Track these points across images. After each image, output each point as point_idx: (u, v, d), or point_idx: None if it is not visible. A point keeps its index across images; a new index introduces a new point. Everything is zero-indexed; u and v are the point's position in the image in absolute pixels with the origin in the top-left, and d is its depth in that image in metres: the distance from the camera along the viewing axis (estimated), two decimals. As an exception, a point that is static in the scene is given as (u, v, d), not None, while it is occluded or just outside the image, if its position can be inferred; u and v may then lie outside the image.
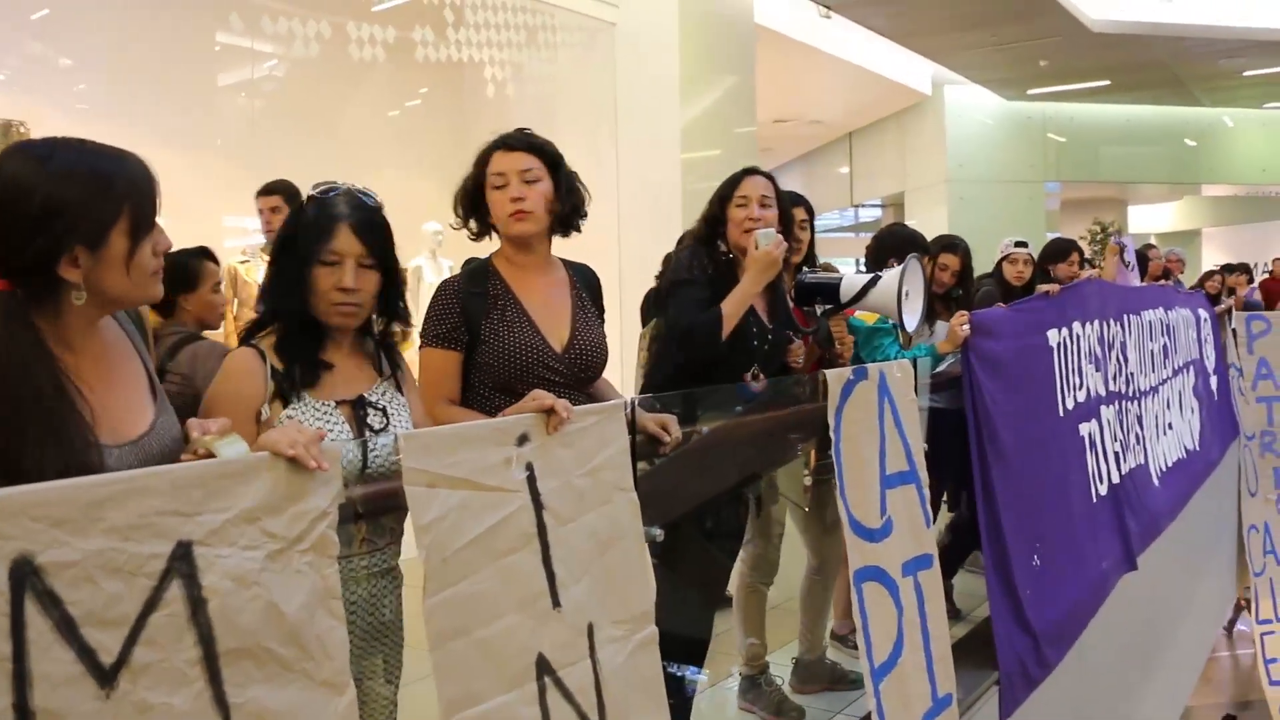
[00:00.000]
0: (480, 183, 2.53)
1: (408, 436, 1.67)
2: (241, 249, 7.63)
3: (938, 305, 4.31)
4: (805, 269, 3.53)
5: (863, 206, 21.24)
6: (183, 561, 1.34)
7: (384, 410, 2.05)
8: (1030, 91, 16.69)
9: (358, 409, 2.02)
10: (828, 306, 3.34)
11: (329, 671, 1.49)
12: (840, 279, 3.35)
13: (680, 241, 3.18)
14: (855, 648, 3.04)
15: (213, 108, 9.04)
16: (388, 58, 8.00)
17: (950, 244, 4.68)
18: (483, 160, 2.54)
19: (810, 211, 3.65)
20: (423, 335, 2.47)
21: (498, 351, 2.45)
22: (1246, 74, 15.77)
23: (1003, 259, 5.43)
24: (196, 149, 8.50)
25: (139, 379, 1.70)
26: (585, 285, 2.68)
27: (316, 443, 1.50)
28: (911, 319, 3.31)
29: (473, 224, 2.57)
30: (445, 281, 2.52)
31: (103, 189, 1.53)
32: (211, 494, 1.39)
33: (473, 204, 2.56)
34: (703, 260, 3.08)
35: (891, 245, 4.23)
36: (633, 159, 8.85)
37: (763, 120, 11.66)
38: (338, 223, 1.99)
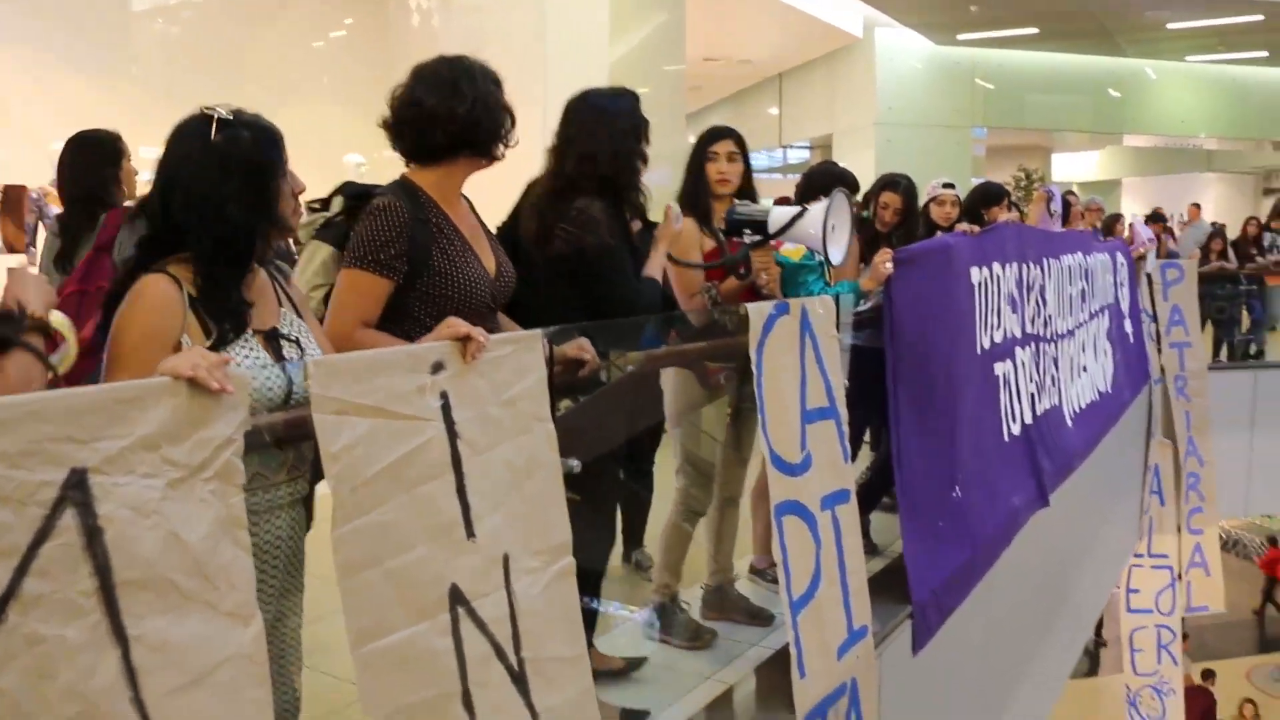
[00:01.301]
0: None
1: (317, 363, 1.63)
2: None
3: (882, 245, 4.31)
4: (737, 202, 3.51)
5: (791, 148, 21.27)
6: (77, 490, 1.30)
7: (296, 341, 2.00)
8: (960, 36, 16.77)
9: (271, 340, 1.96)
10: (755, 238, 3.32)
11: (233, 603, 1.46)
12: (769, 211, 3.34)
13: (556, 192, 2.98)
14: (774, 581, 3.08)
15: (127, 33, 8.75)
16: (310, -16, 7.80)
17: (892, 182, 4.68)
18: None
19: (742, 144, 3.64)
20: (356, 257, 2.35)
21: (453, 282, 2.39)
22: (1170, 26, 16.00)
23: (930, 200, 5.47)
24: (109, 76, 8.23)
25: None
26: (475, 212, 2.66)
27: (220, 366, 1.46)
28: (837, 253, 3.30)
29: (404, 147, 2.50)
30: (389, 205, 2.36)
31: None
32: (109, 420, 1.34)
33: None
34: (615, 218, 3.00)
35: (821, 184, 4.21)
36: (561, 96, 8.69)
37: (692, 58, 11.57)
38: (279, 134, 1.97)
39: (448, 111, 2.38)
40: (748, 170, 3.67)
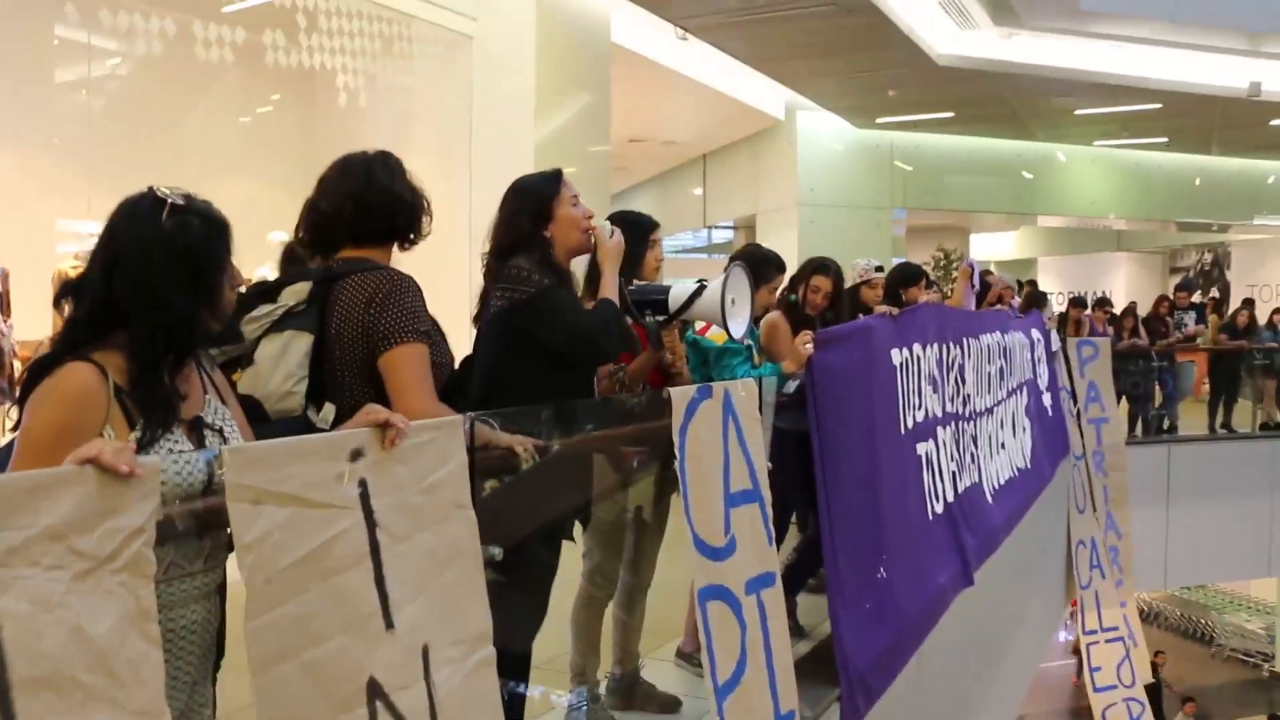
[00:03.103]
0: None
1: (232, 450, 1.60)
2: (74, 253, 7.29)
3: (811, 328, 4.36)
4: (635, 282, 3.52)
5: (716, 228, 21.56)
6: (-26, 584, 1.25)
7: (220, 431, 1.96)
8: (879, 120, 17.21)
9: (195, 430, 1.92)
10: (659, 318, 3.34)
11: (141, 699, 1.40)
12: (669, 288, 3.36)
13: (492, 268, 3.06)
14: (700, 665, 3.05)
15: (49, 105, 8.63)
16: (237, 61, 7.77)
17: (822, 265, 4.74)
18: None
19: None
20: (409, 330, 2.37)
21: (443, 350, 2.52)
22: (1078, 113, 16.60)
23: (861, 283, 5.56)
24: (30, 148, 8.11)
25: None
26: None
27: (126, 450, 1.42)
28: (737, 326, 3.34)
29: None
30: (407, 278, 2.46)
31: None
32: (12, 510, 1.29)
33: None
34: (544, 268, 3.00)
35: (749, 265, 4.27)
36: (486, 175, 8.77)
37: (617, 139, 11.75)
38: (228, 225, 1.96)
39: (413, 198, 2.56)
40: None
